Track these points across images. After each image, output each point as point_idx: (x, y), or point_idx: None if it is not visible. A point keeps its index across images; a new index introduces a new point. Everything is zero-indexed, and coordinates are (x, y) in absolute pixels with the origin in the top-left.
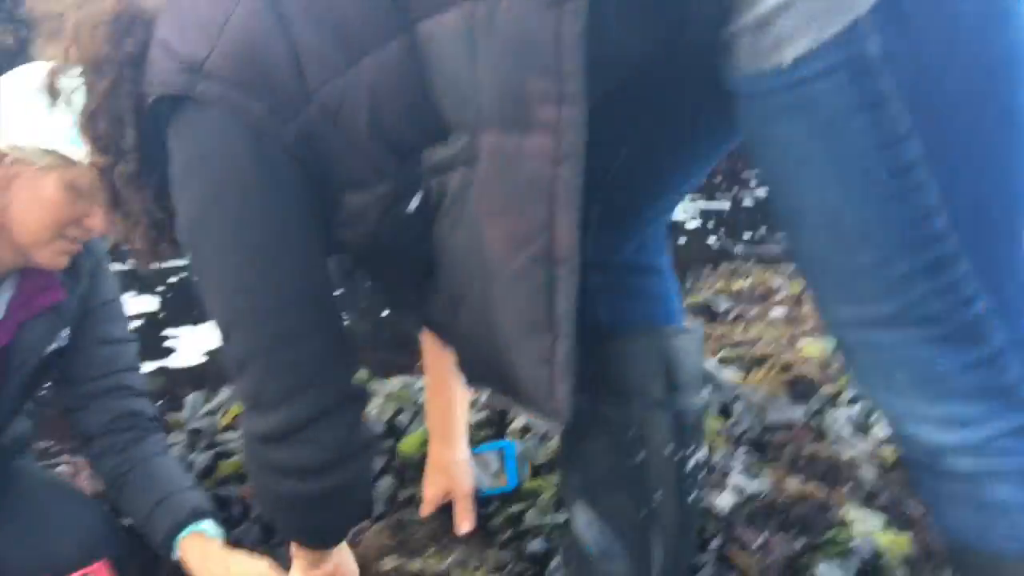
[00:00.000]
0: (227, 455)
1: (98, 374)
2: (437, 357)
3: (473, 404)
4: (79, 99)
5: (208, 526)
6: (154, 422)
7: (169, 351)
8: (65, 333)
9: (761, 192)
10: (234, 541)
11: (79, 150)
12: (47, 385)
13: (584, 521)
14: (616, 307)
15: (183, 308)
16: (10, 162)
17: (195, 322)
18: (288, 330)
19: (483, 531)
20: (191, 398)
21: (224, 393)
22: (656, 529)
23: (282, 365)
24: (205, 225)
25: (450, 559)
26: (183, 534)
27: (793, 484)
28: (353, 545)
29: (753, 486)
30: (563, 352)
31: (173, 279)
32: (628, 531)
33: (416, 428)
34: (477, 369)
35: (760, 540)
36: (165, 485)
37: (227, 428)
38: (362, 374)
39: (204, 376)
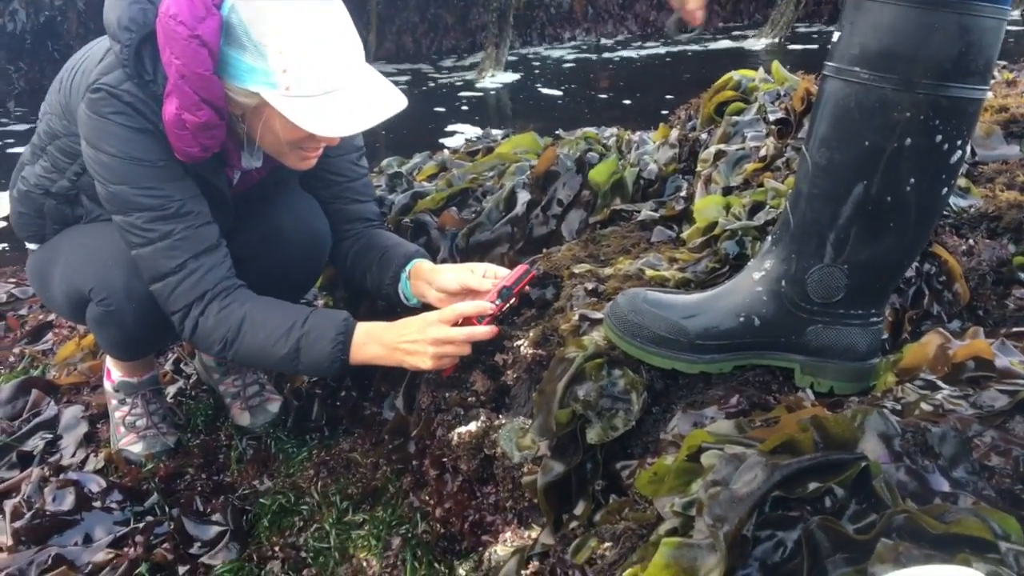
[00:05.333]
0: (423, 195)
1: (334, 184)
2: None
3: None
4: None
5: (427, 262)
6: (378, 221)
7: None
8: None
9: None
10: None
11: (274, 91)
12: None
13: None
14: None
15: None
16: (232, 102)
17: None
18: None
19: (673, 243)
20: (385, 161)
21: (417, 158)
22: (897, 218)
23: None
24: None
25: (641, 261)
26: (410, 265)
27: (1009, 195)
28: (547, 258)
29: (962, 203)
30: None
31: None
32: (866, 216)
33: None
34: None
35: (965, 246)
36: (388, 241)
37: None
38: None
39: None
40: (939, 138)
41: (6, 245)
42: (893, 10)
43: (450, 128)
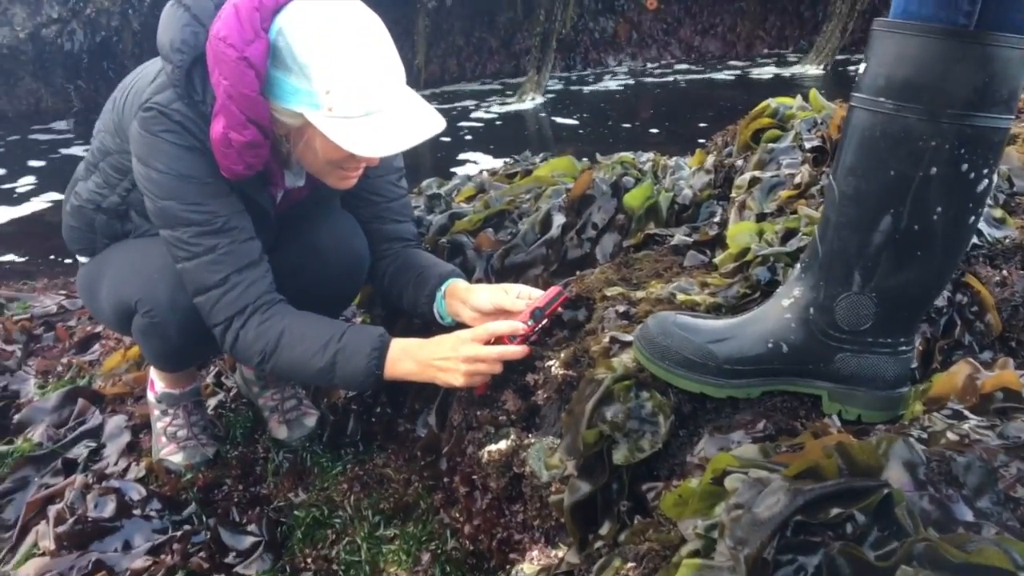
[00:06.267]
0: (460, 216)
1: (373, 204)
2: None
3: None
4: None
5: (462, 282)
6: (415, 241)
7: None
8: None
9: None
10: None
11: (316, 112)
12: None
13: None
14: None
15: None
16: (277, 122)
17: None
18: None
19: (705, 268)
20: (425, 182)
21: (455, 180)
22: (924, 247)
23: None
24: None
25: (673, 285)
26: (445, 285)
27: None
28: (580, 280)
29: (997, 233)
30: None
31: None
32: (893, 244)
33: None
34: None
35: (999, 277)
36: (425, 261)
37: (460, 202)
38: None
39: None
40: (965, 167)
41: (57, 257)
42: (917, 41)
43: (489, 150)
